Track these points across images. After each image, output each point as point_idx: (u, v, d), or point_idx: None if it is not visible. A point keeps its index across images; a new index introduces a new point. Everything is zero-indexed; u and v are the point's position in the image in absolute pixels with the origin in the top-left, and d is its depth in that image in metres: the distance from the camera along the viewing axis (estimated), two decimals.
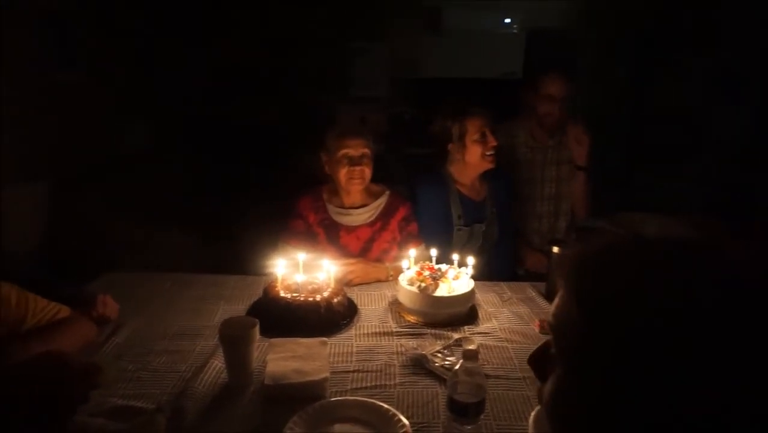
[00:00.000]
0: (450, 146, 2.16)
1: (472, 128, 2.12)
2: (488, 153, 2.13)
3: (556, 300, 0.62)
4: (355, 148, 2.00)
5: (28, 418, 0.89)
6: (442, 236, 2.14)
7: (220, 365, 1.38)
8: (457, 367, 1.12)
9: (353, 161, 1.99)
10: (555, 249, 1.83)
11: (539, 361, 0.66)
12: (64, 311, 1.44)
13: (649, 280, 0.53)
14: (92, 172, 2.95)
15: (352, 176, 2.00)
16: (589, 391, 0.55)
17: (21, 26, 2.68)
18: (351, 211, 2.09)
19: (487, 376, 1.32)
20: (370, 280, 1.97)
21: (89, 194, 2.69)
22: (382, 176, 2.17)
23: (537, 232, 2.51)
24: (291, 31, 5.03)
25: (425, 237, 2.11)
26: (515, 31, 5.81)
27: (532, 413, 1.18)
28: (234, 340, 1.29)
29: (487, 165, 2.16)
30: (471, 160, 2.15)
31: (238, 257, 2.27)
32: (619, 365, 0.52)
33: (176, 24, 4.50)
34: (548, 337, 1.44)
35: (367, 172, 2.02)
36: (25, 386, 0.90)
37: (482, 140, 2.12)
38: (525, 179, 2.46)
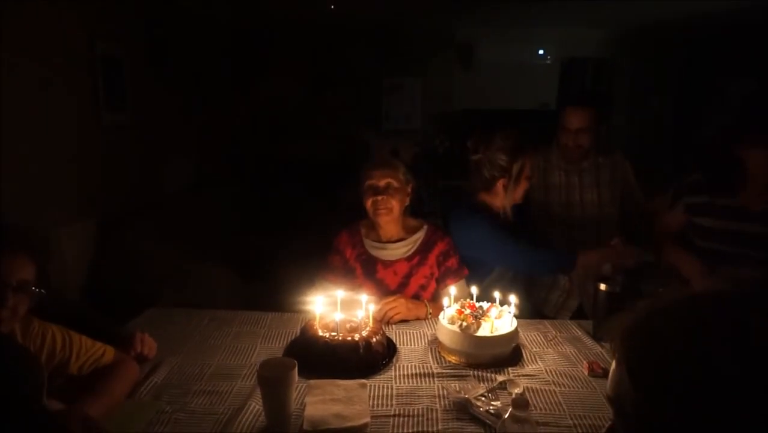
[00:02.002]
0: (503, 182, 2.08)
1: (530, 165, 2.08)
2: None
3: (611, 372, 0.60)
4: (379, 179, 1.98)
5: None
6: (484, 265, 2.10)
7: (257, 407, 1.35)
8: (506, 415, 1.05)
9: (377, 191, 1.97)
10: (602, 286, 1.76)
11: None
12: (109, 352, 1.45)
13: (697, 343, 0.51)
14: (136, 210, 3.02)
15: (377, 207, 1.98)
16: None
17: (75, 70, 2.80)
18: (387, 245, 2.06)
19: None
20: (410, 317, 1.92)
21: (133, 232, 2.75)
22: (414, 209, 2.13)
23: None
24: (329, 69, 5.15)
25: (469, 267, 2.06)
26: (549, 62, 5.79)
27: None
28: (273, 382, 1.26)
29: (520, 200, 2.15)
30: (518, 196, 2.12)
31: (276, 292, 2.26)
32: None
33: (219, 65, 4.66)
34: (599, 380, 1.37)
35: (393, 203, 1.98)
36: None
37: (531, 177, 2.11)
38: (562, 203, 2.40)
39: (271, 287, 2.61)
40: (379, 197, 1.97)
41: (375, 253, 2.05)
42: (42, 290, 1.20)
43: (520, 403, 1.03)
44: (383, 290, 1.99)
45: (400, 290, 2.02)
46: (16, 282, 1.15)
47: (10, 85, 2.26)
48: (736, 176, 1.94)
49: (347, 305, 1.69)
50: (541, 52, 5.74)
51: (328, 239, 2.14)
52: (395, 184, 1.99)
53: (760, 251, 1.89)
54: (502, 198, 2.13)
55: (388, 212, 1.99)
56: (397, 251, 2.05)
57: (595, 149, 2.39)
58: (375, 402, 1.40)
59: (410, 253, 2.05)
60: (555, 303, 2.35)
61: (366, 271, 2.04)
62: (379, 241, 2.07)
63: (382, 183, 1.98)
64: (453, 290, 1.79)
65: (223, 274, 2.71)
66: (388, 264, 2.04)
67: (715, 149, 2.24)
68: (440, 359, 1.65)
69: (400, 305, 1.91)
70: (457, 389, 1.43)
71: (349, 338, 1.57)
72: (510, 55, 5.66)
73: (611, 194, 2.42)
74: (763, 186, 1.90)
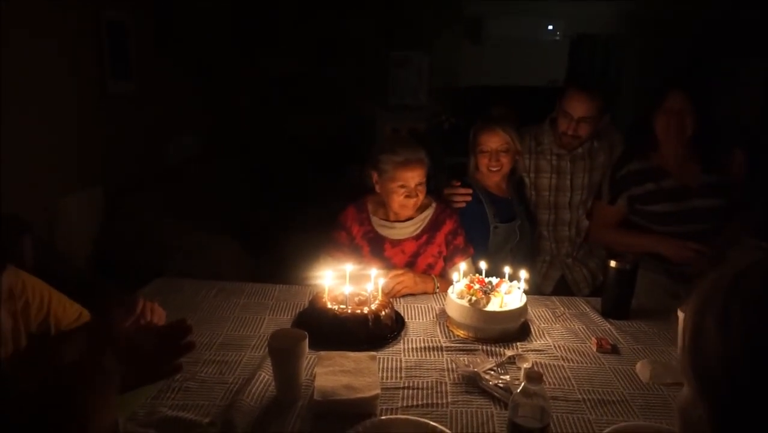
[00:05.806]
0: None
1: (482, 142, 2.14)
2: (492, 168, 2.14)
3: (696, 320, 0.60)
4: (411, 180, 1.92)
5: None
6: (481, 237, 2.12)
7: (267, 377, 1.35)
8: (519, 389, 1.05)
9: (410, 193, 1.93)
10: (612, 263, 1.75)
11: None
12: (85, 315, 1.44)
13: None
14: (144, 179, 3.00)
15: (406, 204, 1.95)
16: (722, 417, 0.56)
17: (80, 37, 2.75)
18: (396, 224, 2.03)
19: None
20: (417, 291, 1.92)
21: (141, 201, 2.74)
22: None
23: (568, 240, 2.39)
24: (335, 41, 5.07)
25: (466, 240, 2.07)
26: (558, 38, 5.68)
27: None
28: (284, 353, 1.26)
29: (491, 177, 2.18)
30: (481, 169, 2.18)
31: (282, 265, 2.26)
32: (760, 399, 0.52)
33: (225, 36, 4.59)
34: (607, 356, 1.40)
35: (421, 197, 1.97)
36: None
37: (487, 154, 2.14)
38: (552, 186, 2.34)
39: (276, 261, 2.61)
40: (412, 200, 1.94)
41: (383, 232, 2.03)
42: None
43: (533, 376, 1.03)
44: (391, 268, 1.98)
45: (408, 268, 2.00)
46: (6, 295, 1.15)
47: (14, 50, 2.22)
48: (655, 148, 2.15)
49: (356, 278, 1.68)
50: (550, 27, 5.63)
51: (334, 213, 2.12)
52: (424, 180, 1.96)
53: (709, 221, 2.12)
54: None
55: (415, 205, 1.98)
56: (405, 230, 2.03)
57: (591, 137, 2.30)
58: (384, 375, 1.41)
59: (418, 232, 2.03)
60: (538, 272, 2.39)
61: (373, 250, 2.02)
62: (387, 219, 2.05)
63: (414, 184, 1.93)
64: (463, 265, 1.79)
65: (229, 246, 2.71)
66: (396, 243, 2.02)
67: (640, 131, 2.29)
68: (449, 333, 1.65)
69: (407, 279, 1.90)
70: (466, 362, 1.43)
71: (358, 311, 1.57)
72: (519, 30, 5.55)
73: (603, 179, 2.33)
74: (671, 151, 2.12)
